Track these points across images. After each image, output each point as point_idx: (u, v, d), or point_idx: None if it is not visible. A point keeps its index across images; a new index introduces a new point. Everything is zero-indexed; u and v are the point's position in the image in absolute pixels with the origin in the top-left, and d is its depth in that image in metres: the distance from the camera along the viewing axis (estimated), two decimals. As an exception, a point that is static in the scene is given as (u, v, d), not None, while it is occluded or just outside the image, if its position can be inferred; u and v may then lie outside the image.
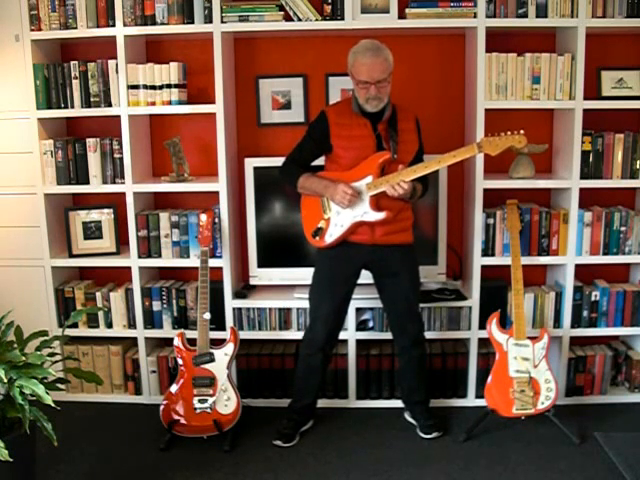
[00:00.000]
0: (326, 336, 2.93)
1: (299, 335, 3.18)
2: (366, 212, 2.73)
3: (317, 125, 2.82)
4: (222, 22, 3.03)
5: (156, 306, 3.34)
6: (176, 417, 2.94)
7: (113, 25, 3.07)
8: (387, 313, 3.03)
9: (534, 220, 3.17)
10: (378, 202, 2.73)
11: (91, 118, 3.28)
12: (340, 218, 2.78)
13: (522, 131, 2.61)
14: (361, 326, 3.26)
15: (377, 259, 2.84)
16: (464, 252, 3.40)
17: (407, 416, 3.15)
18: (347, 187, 2.69)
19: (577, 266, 3.19)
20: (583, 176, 3.11)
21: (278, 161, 2.93)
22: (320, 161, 2.90)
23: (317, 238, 2.84)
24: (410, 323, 2.94)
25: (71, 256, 3.33)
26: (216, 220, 3.19)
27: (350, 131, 2.74)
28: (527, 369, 2.90)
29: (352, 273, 2.89)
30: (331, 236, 2.81)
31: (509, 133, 2.62)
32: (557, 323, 3.25)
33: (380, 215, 2.72)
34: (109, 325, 3.38)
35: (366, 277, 2.93)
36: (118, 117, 3.15)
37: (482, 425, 2.97)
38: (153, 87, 3.12)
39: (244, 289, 3.37)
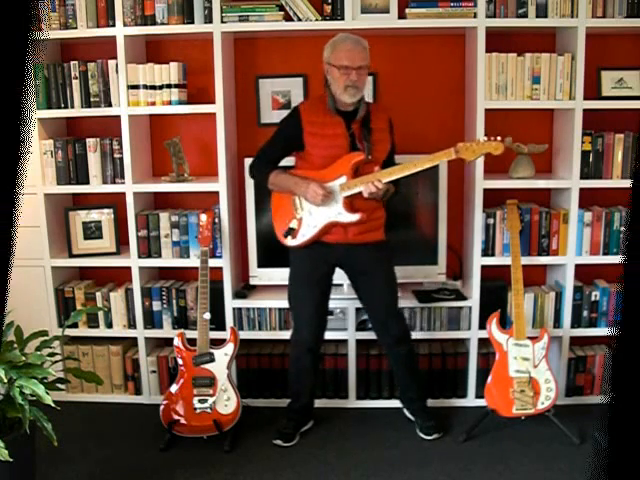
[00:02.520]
0: (312, 336, 2.92)
1: (299, 335, 3.18)
2: (340, 213, 2.72)
3: (290, 123, 2.78)
4: (222, 22, 3.03)
5: (156, 306, 3.34)
6: (176, 417, 2.94)
7: (113, 25, 3.07)
8: (367, 312, 3.02)
9: (534, 220, 3.17)
10: (352, 203, 2.71)
11: (91, 118, 3.28)
12: (313, 218, 2.76)
13: (499, 137, 2.57)
14: (361, 326, 3.26)
15: (350, 258, 2.82)
16: (464, 252, 3.40)
17: (406, 412, 3.14)
18: (319, 187, 2.66)
19: (577, 266, 3.19)
20: (583, 176, 3.11)
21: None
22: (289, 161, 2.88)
23: (289, 238, 2.81)
24: (390, 321, 2.91)
25: (71, 256, 3.33)
26: (216, 220, 3.19)
27: (323, 129, 2.71)
28: (527, 369, 2.90)
29: (326, 272, 2.88)
30: (304, 236, 2.79)
31: (486, 139, 2.59)
32: (557, 323, 3.25)
33: (354, 217, 2.70)
34: (109, 325, 3.38)
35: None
36: (118, 117, 3.15)
37: (482, 425, 2.97)
38: (153, 87, 3.12)
39: (244, 289, 3.37)
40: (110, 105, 3.16)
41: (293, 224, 2.79)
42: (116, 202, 3.32)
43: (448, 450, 2.88)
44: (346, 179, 2.68)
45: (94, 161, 3.24)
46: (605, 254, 3.19)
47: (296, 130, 2.74)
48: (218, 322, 3.24)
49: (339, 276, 2.95)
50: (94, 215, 3.35)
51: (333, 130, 2.71)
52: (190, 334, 3.08)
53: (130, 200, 3.23)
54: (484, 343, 3.22)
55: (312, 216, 2.76)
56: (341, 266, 2.89)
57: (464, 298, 3.23)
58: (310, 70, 3.33)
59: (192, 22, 3.05)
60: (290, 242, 2.82)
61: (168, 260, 3.30)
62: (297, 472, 2.74)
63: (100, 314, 3.36)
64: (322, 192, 2.65)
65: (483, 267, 3.19)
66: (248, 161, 3.20)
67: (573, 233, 3.15)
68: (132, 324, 3.36)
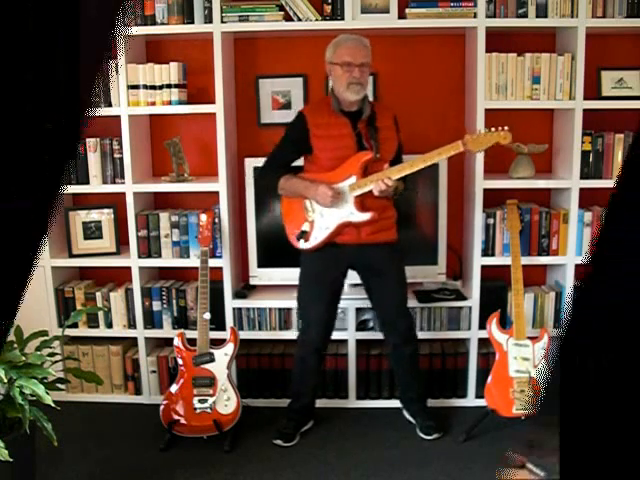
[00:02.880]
0: (320, 337, 2.93)
1: (299, 335, 3.18)
2: (352, 213, 2.72)
3: (296, 127, 2.79)
4: (222, 22, 3.03)
5: (156, 306, 3.34)
6: (176, 417, 2.94)
7: (113, 25, 3.06)
8: (376, 312, 3.02)
9: (534, 220, 3.17)
10: (363, 202, 2.71)
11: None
12: (325, 220, 2.76)
13: (506, 127, 2.58)
14: (361, 326, 3.26)
15: (363, 258, 2.82)
16: (464, 252, 3.40)
17: (405, 414, 3.14)
18: (327, 188, 2.67)
19: (577, 266, 3.19)
20: (583, 176, 3.10)
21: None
22: (299, 162, 2.88)
23: (302, 241, 2.81)
24: (400, 321, 2.92)
25: (71, 256, 3.33)
26: (216, 220, 3.19)
27: (329, 131, 2.72)
28: (527, 369, 2.90)
29: (339, 274, 2.88)
30: (316, 239, 2.79)
31: (493, 130, 2.59)
32: (557, 323, 3.25)
33: (366, 216, 2.70)
34: (109, 325, 3.38)
35: (366, 277, 2.93)
36: (118, 117, 3.15)
37: (482, 425, 2.97)
38: (153, 87, 3.12)
39: (244, 289, 3.37)
40: (110, 105, 3.16)
41: (305, 227, 2.79)
42: (116, 202, 3.32)
43: (448, 450, 2.88)
44: (356, 179, 2.69)
45: (94, 161, 3.24)
46: (605, 254, 3.19)
47: (303, 133, 2.74)
48: (218, 322, 3.23)
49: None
50: (94, 215, 3.35)
51: (339, 131, 2.71)
52: (190, 334, 3.08)
53: (130, 200, 3.23)
54: (484, 343, 3.22)
55: (324, 218, 2.76)
56: (354, 267, 2.89)
57: (464, 298, 3.23)
58: (310, 70, 3.33)
59: (192, 22, 3.06)
60: (303, 245, 2.82)
61: (168, 260, 3.30)
62: (297, 472, 2.74)
63: (100, 314, 3.36)
64: (331, 193, 2.65)
65: (483, 267, 3.19)
66: (248, 161, 3.22)
67: (573, 233, 3.15)
68: (132, 324, 3.36)
